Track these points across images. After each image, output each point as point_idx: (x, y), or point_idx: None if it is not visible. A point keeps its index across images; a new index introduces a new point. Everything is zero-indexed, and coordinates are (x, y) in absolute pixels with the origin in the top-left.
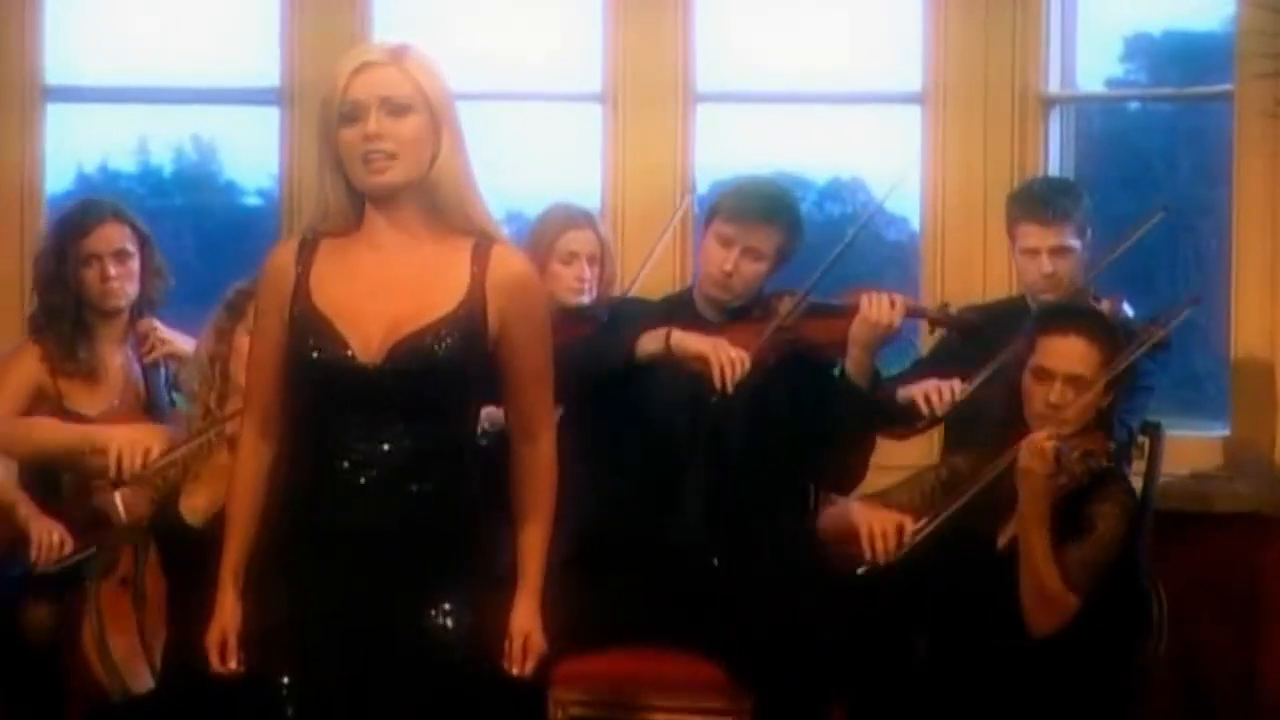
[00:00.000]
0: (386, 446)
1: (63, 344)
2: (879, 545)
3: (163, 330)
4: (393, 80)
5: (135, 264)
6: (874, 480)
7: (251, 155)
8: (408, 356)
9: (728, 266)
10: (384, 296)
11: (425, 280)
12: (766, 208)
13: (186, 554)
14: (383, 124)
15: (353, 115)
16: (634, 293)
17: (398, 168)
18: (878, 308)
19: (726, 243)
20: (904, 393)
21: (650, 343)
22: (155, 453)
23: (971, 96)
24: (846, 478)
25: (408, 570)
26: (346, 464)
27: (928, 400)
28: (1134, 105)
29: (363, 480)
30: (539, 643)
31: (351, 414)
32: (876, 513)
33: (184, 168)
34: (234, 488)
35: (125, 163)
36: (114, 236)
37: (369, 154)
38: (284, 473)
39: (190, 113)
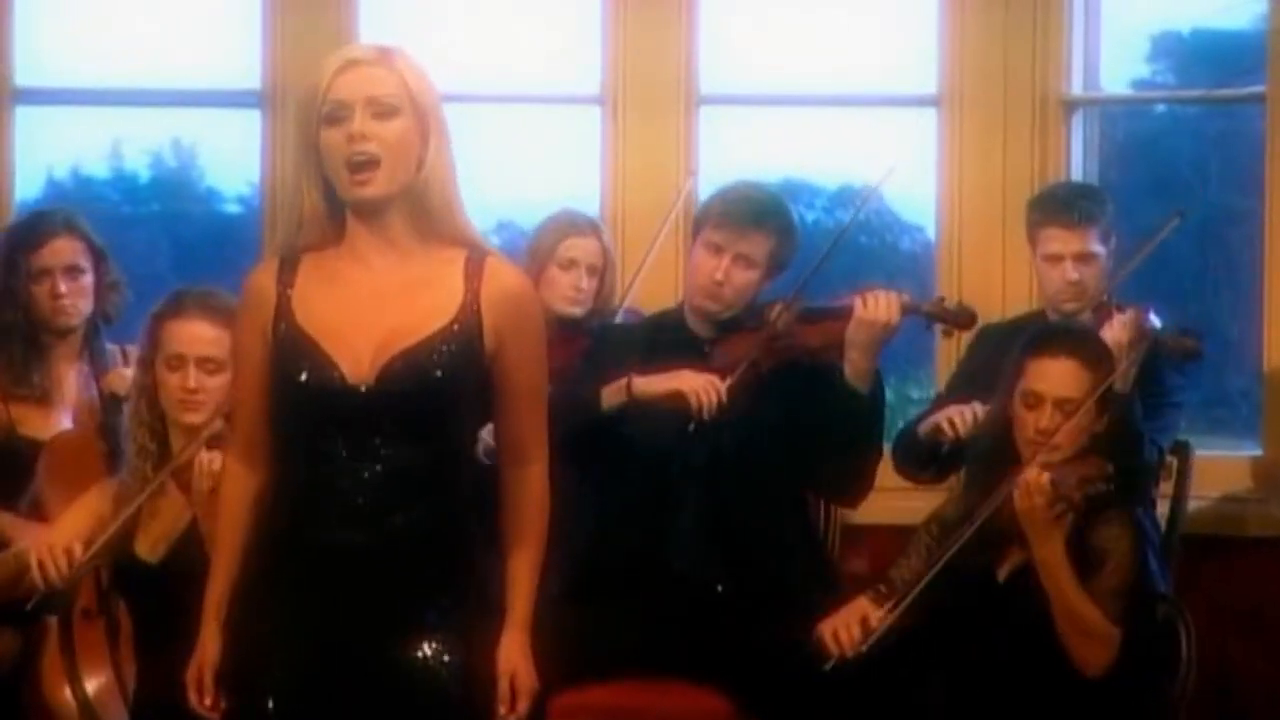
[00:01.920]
0: (377, 470)
1: (14, 366)
2: (843, 637)
3: (128, 372)
4: (379, 79)
5: (89, 280)
6: (889, 503)
7: (232, 160)
8: (401, 376)
9: (719, 275)
10: (372, 312)
11: (415, 294)
12: (756, 212)
13: (149, 592)
14: (368, 125)
15: (336, 116)
16: (631, 299)
17: (382, 177)
18: (873, 306)
19: (716, 251)
20: (924, 426)
21: (613, 395)
22: (79, 551)
23: (990, 99)
24: (851, 488)
25: (399, 598)
26: (336, 488)
27: (951, 424)
28: (1161, 108)
29: (353, 505)
30: (529, 680)
31: (341, 436)
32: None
33: (161, 173)
34: (219, 519)
35: (99, 168)
36: (65, 251)
37: (353, 157)
38: (272, 500)
39: (168, 116)
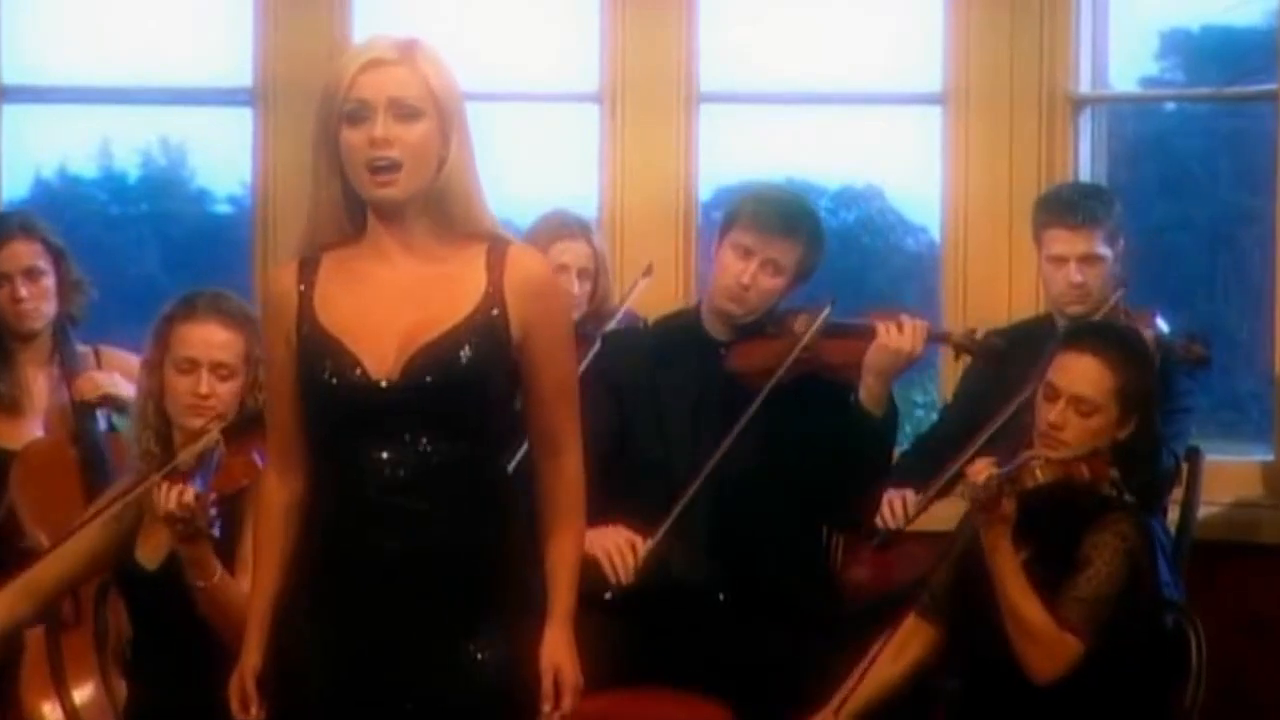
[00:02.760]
0: (411, 468)
1: None
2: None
3: (99, 376)
4: (403, 81)
5: (50, 281)
6: None
7: (223, 160)
8: (426, 369)
9: (745, 279)
10: (394, 307)
11: (437, 287)
12: (789, 217)
13: (148, 599)
14: (390, 129)
15: (358, 116)
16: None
17: (403, 180)
18: (897, 335)
19: (745, 254)
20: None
21: None
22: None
23: (996, 97)
24: (859, 514)
25: (441, 600)
26: (368, 489)
27: (881, 516)
28: (1170, 106)
29: (388, 505)
30: (573, 676)
31: (371, 436)
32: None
33: (150, 173)
34: (256, 530)
35: (87, 167)
36: (22, 254)
37: (373, 161)
38: (309, 505)
39: (157, 114)
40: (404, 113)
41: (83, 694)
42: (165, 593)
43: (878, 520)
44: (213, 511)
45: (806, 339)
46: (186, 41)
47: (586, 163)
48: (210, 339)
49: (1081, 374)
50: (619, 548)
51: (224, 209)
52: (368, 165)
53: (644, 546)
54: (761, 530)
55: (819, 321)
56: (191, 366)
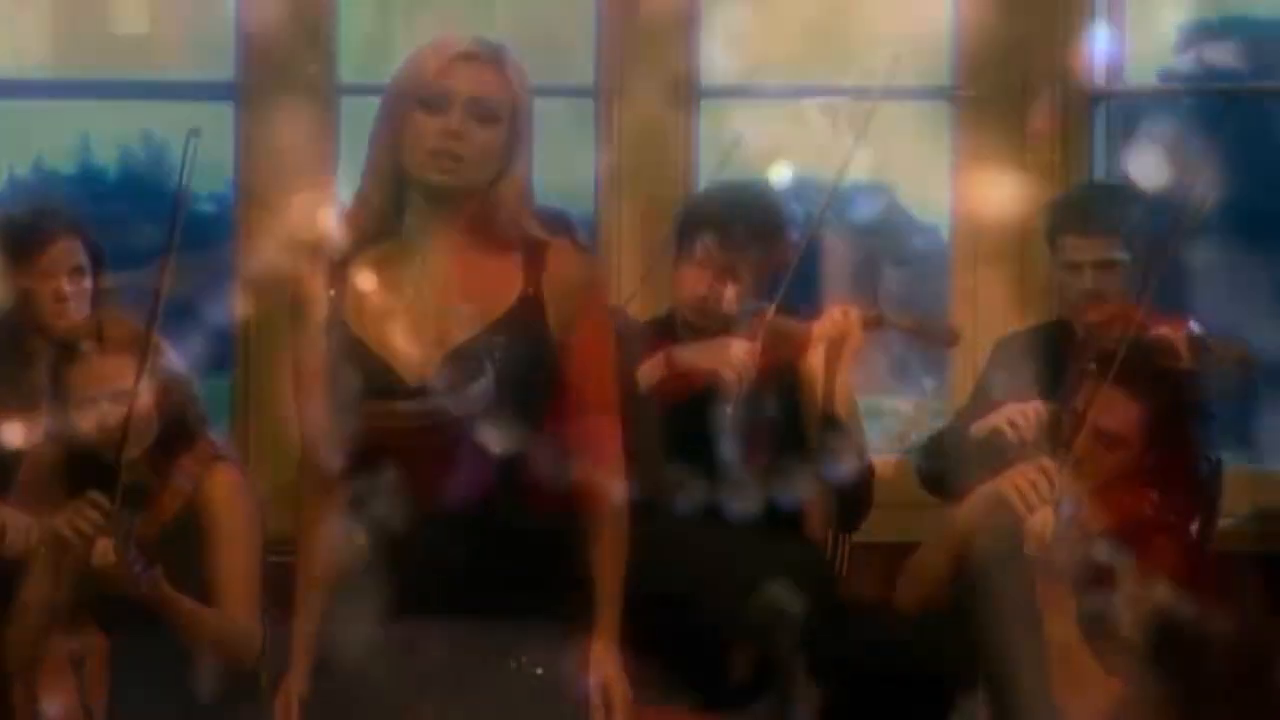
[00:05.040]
0: (450, 473)
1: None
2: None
3: None
4: (489, 82)
5: (89, 283)
6: (900, 520)
7: (205, 157)
8: (460, 371)
9: (700, 289)
10: (427, 307)
11: (474, 286)
12: (740, 220)
13: (119, 610)
14: (466, 124)
15: (436, 104)
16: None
17: (462, 172)
18: (830, 324)
19: (699, 264)
20: (978, 428)
21: (650, 371)
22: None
23: (1008, 91)
24: (850, 516)
25: (491, 612)
26: (411, 498)
27: (1013, 426)
28: (1189, 101)
29: (435, 512)
30: (621, 690)
31: (409, 442)
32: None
33: (131, 169)
34: (300, 553)
35: (64, 163)
36: (71, 251)
37: (441, 151)
38: (353, 521)
39: (138, 109)
40: (482, 113)
41: (57, 710)
42: (143, 607)
43: (1008, 433)
44: (138, 568)
45: (760, 338)
46: (167, 34)
47: (582, 160)
48: None
49: (1108, 407)
50: (740, 359)
51: (206, 207)
52: (432, 150)
53: (757, 352)
54: (757, 540)
55: (765, 319)
56: None
